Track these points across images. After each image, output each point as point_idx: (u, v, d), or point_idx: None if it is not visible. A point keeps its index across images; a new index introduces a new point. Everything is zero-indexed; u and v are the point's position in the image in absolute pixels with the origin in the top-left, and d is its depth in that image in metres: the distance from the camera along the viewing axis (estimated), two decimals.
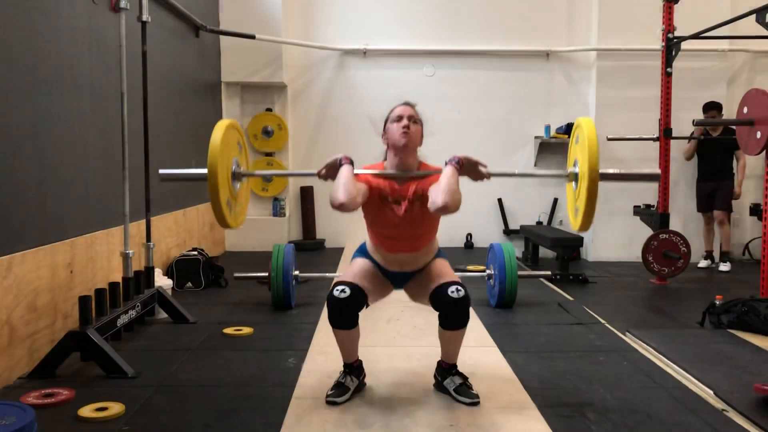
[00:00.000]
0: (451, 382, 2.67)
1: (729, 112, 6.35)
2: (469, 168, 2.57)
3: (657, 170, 3.10)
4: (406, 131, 2.55)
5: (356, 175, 2.56)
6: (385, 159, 2.68)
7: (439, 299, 2.55)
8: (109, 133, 3.82)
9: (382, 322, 3.88)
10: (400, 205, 2.60)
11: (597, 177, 2.47)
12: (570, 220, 2.84)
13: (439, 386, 2.72)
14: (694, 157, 6.30)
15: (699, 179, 6.25)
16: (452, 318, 2.55)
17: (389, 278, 2.76)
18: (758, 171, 6.65)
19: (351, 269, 2.68)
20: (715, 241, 6.27)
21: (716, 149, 6.05)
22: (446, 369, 2.71)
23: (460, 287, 2.53)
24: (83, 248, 3.48)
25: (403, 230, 2.62)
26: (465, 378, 2.68)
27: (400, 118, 2.58)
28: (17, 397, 2.58)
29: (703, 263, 6.23)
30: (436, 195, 2.39)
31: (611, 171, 2.69)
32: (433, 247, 2.76)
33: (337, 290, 2.51)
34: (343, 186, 2.43)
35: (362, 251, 2.79)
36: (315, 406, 2.57)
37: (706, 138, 5.97)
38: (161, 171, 2.81)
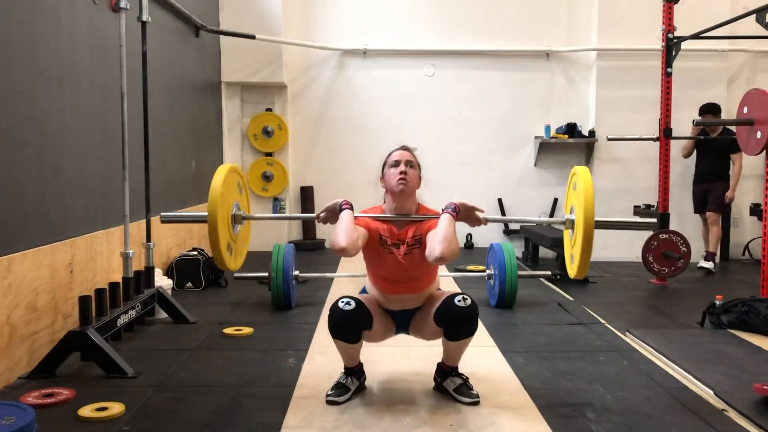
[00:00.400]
0: (451, 382, 2.67)
1: (729, 112, 6.35)
2: (465, 214, 2.58)
3: (653, 219, 3.20)
4: (403, 178, 2.57)
5: (356, 218, 2.57)
6: (384, 202, 2.70)
7: (446, 311, 2.53)
8: (109, 133, 3.82)
9: None
10: (399, 248, 2.60)
11: (592, 228, 2.53)
12: (567, 267, 2.88)
13: (439, 387, 2.72)
14: (693, 157, 6.29)
15: (694, 180, 6.24)
16: (461, 329, 2.55)
17: (391, 317, 2.75)
18: (758, 171, 6.64)
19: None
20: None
21: (712, 150, 6.00)
22: (446, 371, 2.71)
23: (466, 296, 2.53)
24: (83, 248, 3.49)
25: (403, 273, 2.62)
26: (465, 378, 2.68)
27: (397, 164, 2.60)
28: (17, 397, 2.58)
29: (705, 264, 6.18)
30: (433, 246, 2.39)
31: (607, 219, 2.75)
32: (433, 287, 2.76)
33: (342, 302, 2.52)
34: (344, 230, 2.43)
35: (365, 292, 2.80)
36: (315, 406, 2.57)
37: (705, 138, 5.96)
38: (162, 214, 2.90)
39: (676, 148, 6.00)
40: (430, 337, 2.70)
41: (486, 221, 2.63)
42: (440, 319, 2.55)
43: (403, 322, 2.76)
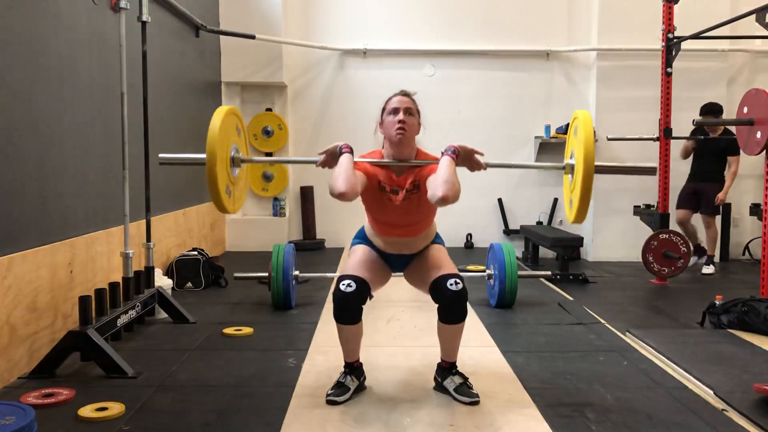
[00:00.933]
0: (451, 381, 2.67)
1: (729, 112, 6.35)
2: (465, 157, 2.57)
3: (654, 164, 3.13)
4: (402, 128, 2.56)
5: (355, 163, 2.56)
6: (383, 147, 2.69)
7: (438, 292, 2.58)
8: (109, 133, 3.82)
9: (382, 322, 3.88)
10: (397, 194, 2.62)
11: (592, 169, 2.50)
12: (565, 212, 2.85)
13: (440, 387, 2.72)
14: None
15: (688, 178, 6.12)
16: (452, 311, 2.57)
17: (388, 262, 2.80)
18: (758, 171, 6.64)
19: (352, 260, 2.70)
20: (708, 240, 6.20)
21: (710, 151, 5.93)
22: (446, 369, 2.71)
23: (458, 280, 2.55)
24: (83, 248, 3.49)
25: (401, 218, 2.66)
26: (465, 378, 2.68)
27: (395, 111, 2.59)
28: (17, 397, 2.58)
29: (705, 270, 6.15)
30: (435, 187, 2.39)
31: (607, 164, 2.74)
32: (431, 232, 2.79)
33: (343, 284, 2.53)
34: (343, 175, 2.43)
35: (361, 236, 2.84)
36: (315, 406, 2.57)
37: (705, 138, 5.93)
38: (161, 155, 2.85)
39: (676, 148, 5.99)
40: (420, 290, 2.77)
41: (486, 166, 2.62)
42: (433, 297, 2.61)
43: (399, 265, 2.81)
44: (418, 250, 2.77)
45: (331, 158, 2.60)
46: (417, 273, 2.75)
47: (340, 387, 2.65)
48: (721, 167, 6.00)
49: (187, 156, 2.93)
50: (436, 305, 2.61)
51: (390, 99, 2.66)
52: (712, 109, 5.87)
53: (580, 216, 2.60)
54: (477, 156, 2.59)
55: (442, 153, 2.52)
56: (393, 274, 2.87)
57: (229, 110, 2.68)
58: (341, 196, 2.39)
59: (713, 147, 5.93)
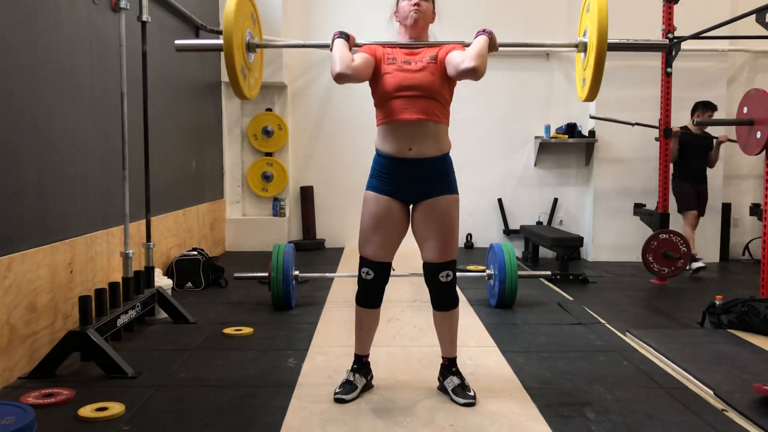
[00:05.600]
0: (450, 382, 2.68)
1: (729, 112, 6.36)
2: (493, 42, 2.60)
3: (664, 40, 3.15)
4: (417, 6, 2.57)
5: (363, 46, 2.61)
6: (397, 39, 2.70)
7: (429, 278, 2.66)
8: (109, 133, 3.82)
9: (382, 322, 3.85)
10: (410, 64, 2.58)
11: (605, 44, 2.51)
12: (577, 91, 2.84)
13: (442, 387, 2.73)
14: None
15: (685, 179, 5.93)
16: (441, 299, 2.66)
17: (399, 192, 2.61)
18: (758, 171, 6.65)
19: (365, 221, 2.63)
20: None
21: (699, 149, 5.89)
22: (446, 366, 2.72)
23: (450, 273, 2.63)
24: (83, 248, 3.49)
25: (412, 85, 2.54)
26: (463, 378, 2.69)
27: None
28: (17, 397, 2.58)
29: (695, 264, 6.14)
30: (465, 58, 2.41)
31: (619, 41, 2.75)
32: (444, 136, 2.64)
33: (364, 272, 2.64)
34: (337, 57, 2.45)
35: (373, 167, 2.67)
36: (315, 406, 2.57)
37: (694, 136, 5.89)
38: (177, 42, 2.85)
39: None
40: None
41: (498, 46, 2.66)
42: (425, 279, 2.68)
43: (412, 192, 2.62)
44: (429, 156, 2.57)
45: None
46: (422, 229, 2.62)
47: (347, 385, 2.66)
48: (706, 164, 5.98)
49: (204, 42, 3.00)
50: (429, 291, 2.69)
51: None
52: (700, 105, 5.85)
53: (592, 94, 2.64)
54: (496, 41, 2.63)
55: (477, 33, 2.55)
56: (408, 206, 2.70)
57: None
58: (339, 78, 2.43)
59: (701, 145, 5.90)
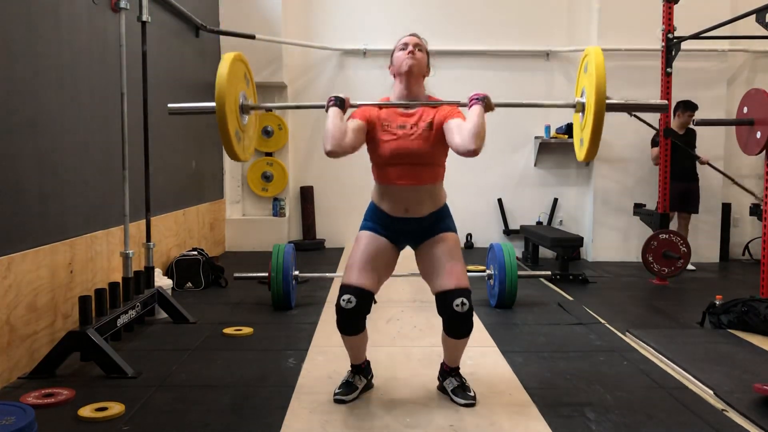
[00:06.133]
0: (450, 382, 2.67)
1: (729, 112, 6.36)
2: (489, 107, 2.57)
3: (663, 101, 3.13)
4: (412, 52, 2.54)
5: (359, 106, 2.59)
6: (392, 92, 2.67)
7: (443, 309, 2.51)
8: (109, 133, 3.82)
9: (382, 322, 3.88)
10: (404, 129, 2.55)
11: (603, 106, 2.47)
12: (576, 151, 2.81)
13: (441, 387, 2.73)
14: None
15: (671, 178, 5.79)
16: (457, 329, 2.52)
17: (395, 239, 2.62)
18: (758, 171, 6.65)
19: (356, 253, 2.59)
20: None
21: (684, 149, 5.91)
22: (447, 371, 2.71)
23: (465, 300, 2.46)
24: (83, 248, 3.49)
25: (407, 154, 2.52)
26: (463, 380, 2.68)
27: (405, 46, 2.58)
28: (17, 397, 2.58)
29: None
30: (464, 138, 2.37)
31: (618, 102, 2.69)
32: (438, 194, 2.63)
33: (344, 300, 2.47)
34: (329, 132, 2.42)
35: (369, 211, 2.68)
36: (315, 406, 2.57)
37: (678, 136, 5.87)
38: (170, 105, 2.82)
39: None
40: (428, 285, 2.64)
41: (494, 107, 2.63)
42: (438, 310, 2.53)
43: (406, 239, 2.64)
44: (425, 215, 2.57)
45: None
46: (427, 264, 2.59)
47: (347, 386, 2.66)
48: (694, 162, 5.99)
49: (197, 105, 2.89)
50: (441, 317, 2.54)
51: (400, 39, 2.64)
52: (689, 104, 5.86)
53: (591, 154, 2.58)
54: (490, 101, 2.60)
55: (470, 100, 2.52)
56: (400, 250, 2.70)
57: (236, 56, 2.65)
58: (330, 155, 2.41)
59: (686, 143, 5.89)
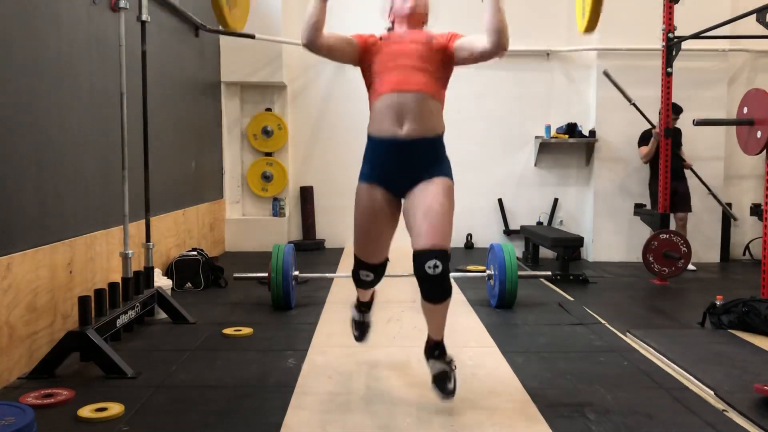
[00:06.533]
0: (432, 366, 2.48)
1: (729, 112, 6.35)
2: None
3: None
4: (415, 2, 2.45)
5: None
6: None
7: (416, 268, 2.36)
8: (108, 133, 3.81)
9: (382, 322, 3.87)
10: (406, 37, 2.47)
11: None
12: (577, 23, 2.78)
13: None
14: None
15: (656, 179, 5.85)
16: (430, 292, 2.39)
17: (392, 181, 2.50)
18: (758, 171, 6.65)
19: (359, 225, 2.55)
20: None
21: (672, 148, 5.90)
22: (431, 347, 2.53)
23: (438, 263, 2.30)
24: (83, 248, 3.48)
25: (408, 57, 2.42)
26: (447, 363, 2.47)
27: None
28: (17, 397, 2.58)
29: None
30: (492, 34, 2.27)
31: None
32: (438, 114, 2.49)
33: (362, 274, 2.64)
34: (304, 21, 2.39)
35: (366, 154, 2.58)
36: (315, 406, 2.57)
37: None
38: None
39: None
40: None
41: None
42: (414, 269, 2.38)
43: (405, 181, 2.49)
44: (422, 135, 2.43)
45: None
46: (410, 216, 2.45)
47: (361, 327, 2.93)
48: (681, 162, 5.98)
49: None
50: (418, 283, 2.41)
51: None
52: (674, 107, 5.87)
53: (592, 24, 2.54)
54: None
55: None
56: (401, 199, 2.58)
57: None
58: (306, 47, 2.41)
59: (674, 143, 5.88)
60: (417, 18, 2.53)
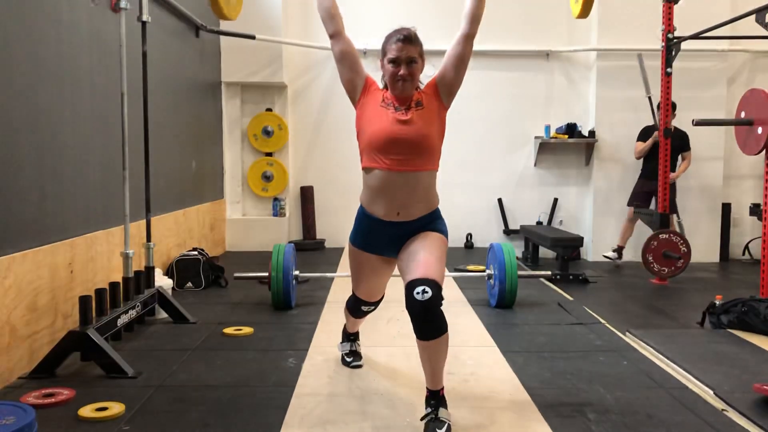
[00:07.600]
0: (425, 427, 2.28)
1: (729, 112, 6.36)
2: None
3: None
4: (403, 78, 2.35)
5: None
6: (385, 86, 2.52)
7: (407, 300, 2.21)
8: (109, 133, 3.82)
9: (382, 322, 3.88)
10: (397, 110, 2.39)
11: None
12: (570, 6, 2.79)
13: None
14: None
15: (642, 176, 6.12)
16: (422, 325, 2.20)
17: (387, 248, 2.49)
18: (758, 171, 6.65)
19: (357, 274, 2.70)
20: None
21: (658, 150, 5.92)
22: (427, 397, 2.36)
23: (427, 288, 2.15)
24: (83, 248, 3.49)
25: (402, 139, 2.33)
26: (441, 423, 2.26)
27: (396, 62, 2.36)
28: (17, 397, 2.58)
29: (611, 255, 6.27)
30: (464, 20, 2.51)
31: None
32: (432, 196, 2.45)
33: (365, 307, 2.82)
34: None
35: (358, 222, 2.57)
36: (315, 406, 2.57)
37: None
38: None
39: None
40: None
41: None
42: (406, 305, 2.24)
43: (396, 244, 2.46)
44: (416, 217, 2.40)
45: None
46: (404, 260, 2.40)
47: (355, 355, 3.08)
48: (673, 165, 5.98)
49: None
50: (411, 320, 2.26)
51: (389, 43, 2.41)
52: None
53: (585, 10, 2.55)
54: None
55: None
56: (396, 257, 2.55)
57: None
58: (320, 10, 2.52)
59: (674, 147, 5.89)
60: (408, 90, 2.41)
